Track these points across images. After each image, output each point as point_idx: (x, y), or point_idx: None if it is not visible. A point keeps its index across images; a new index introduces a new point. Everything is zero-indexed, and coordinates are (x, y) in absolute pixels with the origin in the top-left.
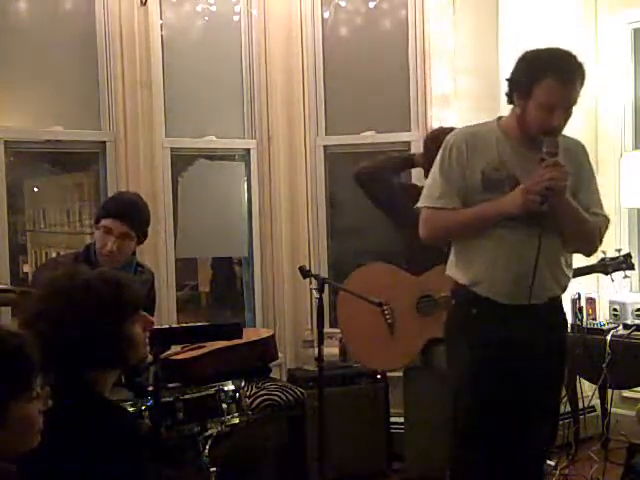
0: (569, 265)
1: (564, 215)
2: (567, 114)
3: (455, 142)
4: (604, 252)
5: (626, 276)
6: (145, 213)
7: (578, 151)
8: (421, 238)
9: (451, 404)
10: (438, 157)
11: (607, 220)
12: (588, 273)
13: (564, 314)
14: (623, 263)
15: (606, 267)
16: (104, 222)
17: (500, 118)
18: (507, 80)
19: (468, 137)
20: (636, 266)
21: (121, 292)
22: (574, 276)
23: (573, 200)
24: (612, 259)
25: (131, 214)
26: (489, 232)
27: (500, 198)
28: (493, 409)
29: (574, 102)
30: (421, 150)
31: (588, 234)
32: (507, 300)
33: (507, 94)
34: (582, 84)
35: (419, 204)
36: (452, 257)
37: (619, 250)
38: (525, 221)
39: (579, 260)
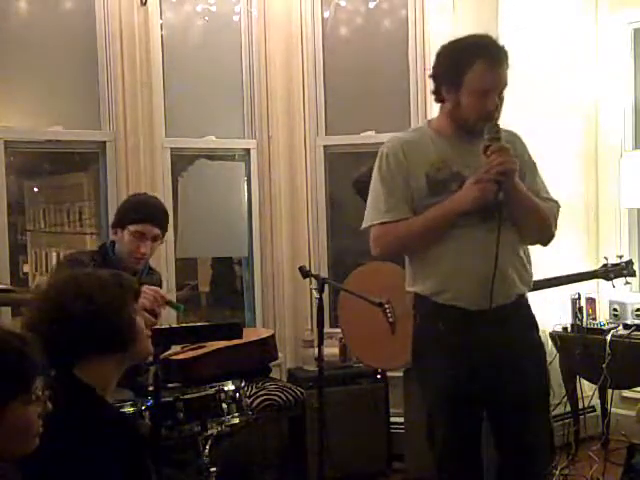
0: (529, 261)
1: (518, 202)
2: (500, 98)
3: (390, 151)
4: (606, 258)
5: (627, 282)
6: (167, 213)
7: (515, 141)
8: (375, 256)
9: (425, 427)
10: (375, 170)
11: (558, 206)
12: (590, 279)
13: (532, 313)
14: (624, 269)
15: (608, 273)
16: (136, 227)
17: (430, 121)
18: (431, 77)
19: (403, 144)
20: (636, 267)
21: (121, 276)
22: (576, 281)
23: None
24: (614, 265)
25: (161, 217)
26: (445, 235)
27: (451, 197)
28: (471, 429)
29: (505, 84)
30: None
31: (544, 221)
32: (473, 305)
33: (433, 92)
34: (508, 66)
35: (365, 224)
36: (408, 270)
37: (621, 256)
38: (481, 216)
39: (581, 265)
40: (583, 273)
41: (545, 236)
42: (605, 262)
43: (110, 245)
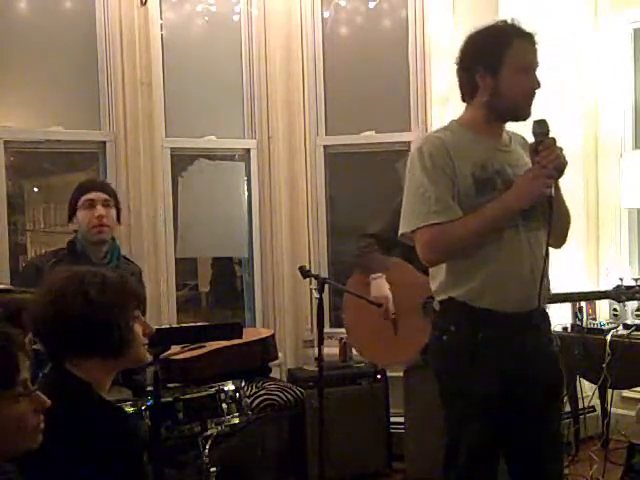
0: None
1: (559, 199)
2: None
3: (434, 150)
4: (621, 279)
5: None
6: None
7: (525, 143)
8: (424, 262)
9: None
10: (417, 169)
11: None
12: (600, 298)
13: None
14: (638, 293)
15: (620, 295)
16: (83, 200)
17: (458, 120)
18: (459, 70)
19: (446, 144)
20: (636, 261)
21: (127, 281)
22: (586, 299)
23: None
24: (628, 288)
25: (105, 185)
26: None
27: (503, 195)
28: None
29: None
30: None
31: (569, 224)
32: (516, 308)
33: (462, 87)
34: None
35: (410, 227)
36: (440, 276)
37: (636, 279)
38: (522, 215)
39: (580, 265)
40: (595, 292)
41: (566, 238)
42: (619, 284)
43: (76, 237)
